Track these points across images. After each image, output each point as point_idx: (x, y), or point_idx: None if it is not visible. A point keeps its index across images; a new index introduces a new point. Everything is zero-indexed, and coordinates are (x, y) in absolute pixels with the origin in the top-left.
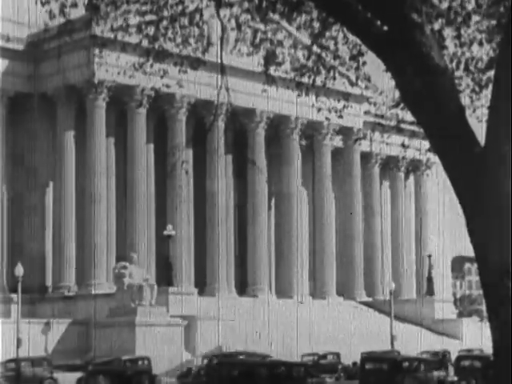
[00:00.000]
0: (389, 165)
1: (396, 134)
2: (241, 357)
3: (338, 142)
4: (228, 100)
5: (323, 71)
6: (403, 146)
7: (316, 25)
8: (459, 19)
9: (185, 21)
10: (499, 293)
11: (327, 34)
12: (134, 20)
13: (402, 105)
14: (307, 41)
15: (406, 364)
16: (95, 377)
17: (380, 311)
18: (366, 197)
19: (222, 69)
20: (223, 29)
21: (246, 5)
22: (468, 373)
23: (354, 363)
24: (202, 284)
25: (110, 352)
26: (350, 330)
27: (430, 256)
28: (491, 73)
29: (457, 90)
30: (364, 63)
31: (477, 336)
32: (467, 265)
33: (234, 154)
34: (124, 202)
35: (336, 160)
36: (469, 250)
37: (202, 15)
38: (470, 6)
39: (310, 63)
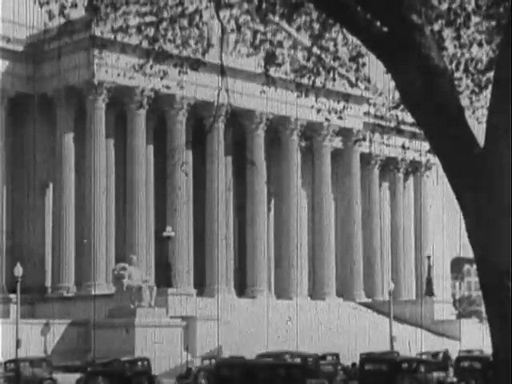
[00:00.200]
0: (388, 166)
1: (396, 136)
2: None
3: (337, 143)
4: (228, 101)
5: (323, 72)
6: (403, 147)
7: (316, 26)
8: (459, 20)
9: (184, 22)
10: (498, 294)
11: (327, 35)
12: (133, 21)
13: (401, 106)
14: (307, 42)
15: (405, 365)
16: (94, 378)
17: (379, 312)
18: (365, 198)
19: (222, 70)
20: (223, 30)
21: (245, 6)
22: (467, 374)
23: (354, 364)
24: (202, 285)
25: (110, 353)
26: (349, 331)
27: (429, 257)
28: (491, 74)
29: (456, 91)
30: (364, 64)
31: (476, 337)
32: (466, 266)
33: (233, 155)
34: (123, 203)
35: (335, 161)
36: (468, 251)
37: (201, 16)
38: (470, 7)
39: (309, 64)
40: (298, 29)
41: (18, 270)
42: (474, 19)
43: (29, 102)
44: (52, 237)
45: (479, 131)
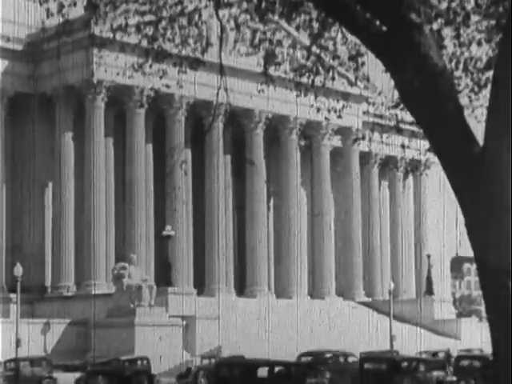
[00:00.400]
0: (388, 165)
1: (395, 134)
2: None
3: (336, 142)
4: (227, 100)
5: (322, 71)
6: (402, 146)
7: (315, 25)
8: (458, 19)
9: (184, 21)
10: (498, 293)
11: (326, 34)
12: (132, 20)
13: (401, 105)
14: (306, 41)
15: (404, 364)
16: (94, 377)
17: (379, 311)
18: (364, 197)
19: (221, 69)
20: (222, 29)
21: (244, 5)
22: (467, 373)
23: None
24: (201, 284)
25: (109, 352)
26: (348, 330)
27: (429, 256)
28: (490, 73)
29: (456, 90)
30: (363, 63)
31: (476, 336)
32: (466, 265)
33: (232, 154)
34: (123, 202)
35: (335, 160)
36: (468, 251)
37: (200, 15)
38: (469, 6)
39: (309, 63)
40: (298, 28)
41: (18, 270)
42: (474, 18)
43: (28, 101)
44: (52, 236)
45: (478, 130)
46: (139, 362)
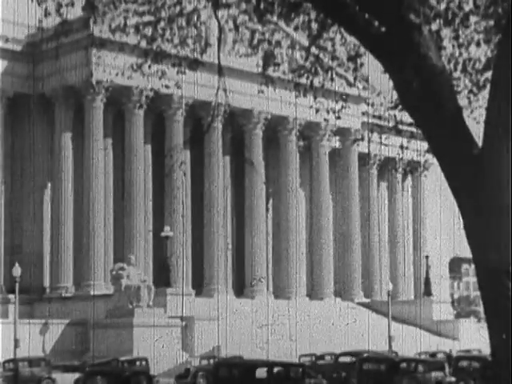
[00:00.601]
0: (387, 166)
1: (394, 135)
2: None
3: (335, 142)
4: (226, 101)
5: (321, 72)
6: (401, 147)
7: (314, 26)
8: (457, 20)
9: (182, 22)
10: (497, 294)
11: (325, 35)
12: (131, 20)
13: (399, 106)
14: (305, 42)
15: (403, 365)
16: (93, 377)
17: (378, 312)
18: (363, 198)
19: (220, 70)
20: (221, 30)
21: (243, 6)
22: (466, 373)
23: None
24: (200, 285)
25: (108, 353)
26: (347, 331)
27: (427, 257)
28: (489, 74)
29: (455, 91)
30: (362, 64)
31: (474, 337)
32: (465, 266)
33: (231, 155)
34: (121, 202)
35: (333, 161)
36: (466, 251)
37: (199, 16)
38: (468, 7)
39: (307, 64)
40: (296, 28)
41: (17, 271)
42: (473, 19)
43: (27, 101)
44: (50, 237)
45: (477, 131)
46: (138, 363)
